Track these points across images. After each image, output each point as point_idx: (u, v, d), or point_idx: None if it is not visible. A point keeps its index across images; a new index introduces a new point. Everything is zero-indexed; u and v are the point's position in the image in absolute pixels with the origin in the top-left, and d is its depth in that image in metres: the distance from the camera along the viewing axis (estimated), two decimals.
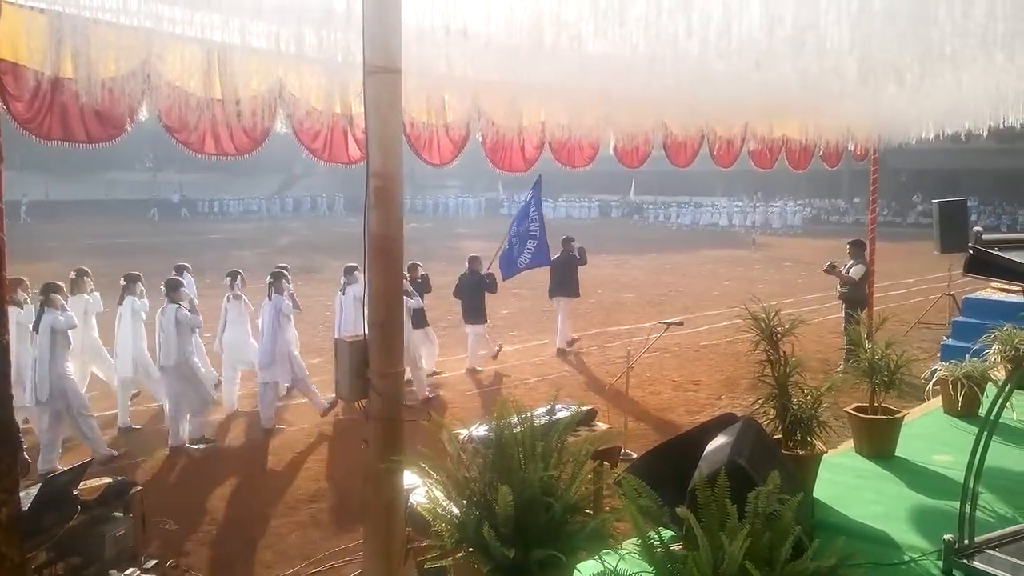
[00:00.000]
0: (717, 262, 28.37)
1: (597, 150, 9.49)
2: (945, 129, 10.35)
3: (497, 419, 4.03)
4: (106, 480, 5.99)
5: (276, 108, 6.24)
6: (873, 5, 4.78)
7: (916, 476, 6.63)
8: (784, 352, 6.32)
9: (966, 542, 4.67)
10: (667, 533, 3.63)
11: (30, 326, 8.61)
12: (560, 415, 4.94)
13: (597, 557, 3.88)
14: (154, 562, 6.04)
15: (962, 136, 10.78)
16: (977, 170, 44.79)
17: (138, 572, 5.82)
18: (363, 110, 4.13)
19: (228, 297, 10.59)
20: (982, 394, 7.99)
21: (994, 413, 4.55)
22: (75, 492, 5.55)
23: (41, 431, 8.52)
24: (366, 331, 4.19)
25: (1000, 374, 8.22)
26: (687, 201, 53.71)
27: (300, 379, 10.20)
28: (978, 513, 4.74)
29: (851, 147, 12.44)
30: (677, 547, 3.50)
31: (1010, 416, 7.30)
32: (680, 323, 10.09)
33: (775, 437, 6.09)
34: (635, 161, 9.91)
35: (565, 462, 3.98)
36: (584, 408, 6.23)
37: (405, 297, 10.26)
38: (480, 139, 8.11)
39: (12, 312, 8.16)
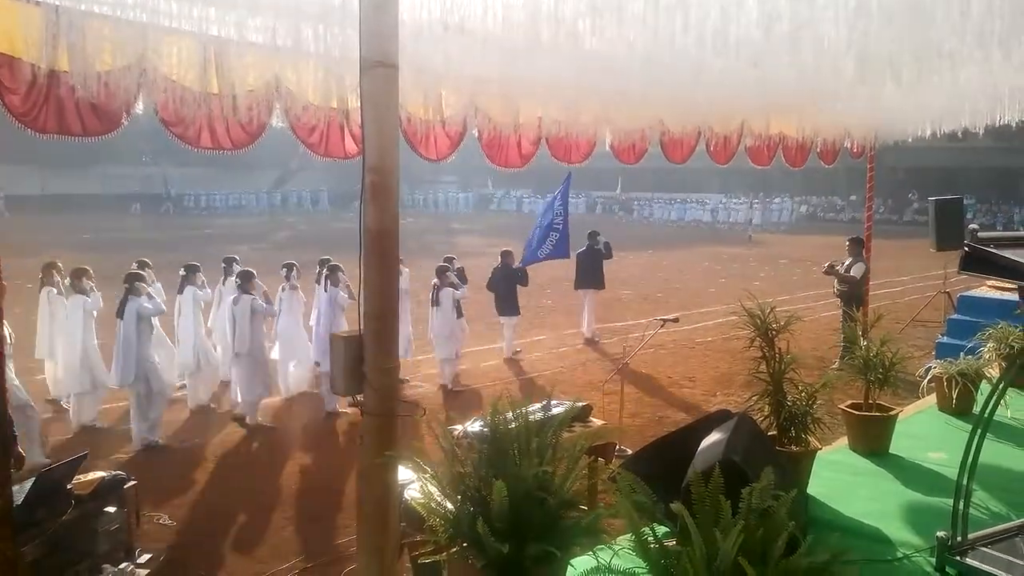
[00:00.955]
0: (713, 259, 28.39)
1: (594, 147, 9.48)
2: (942, 127, 10.36)
3: (492, 415, 4.03)
4: (100, 474, 5.98)
5: (273, 103, 6.23)
6: (871, 3, 4.78)
7: (910, 473, 6.65)
8: (779, 349, 6.34)
9: (959, 539, 4.68)
10: (661, 529, 3.63)
11: (95, 312, 9.46)
12: (555, 411, 4.94)
13: (591, 552, 3.89)
14: (148, 556, 6.04)
15: (959, 134, 10.80)
16: (974, 168, 44.83)
17: (132, 566, 5.82)
18: (359, 105, 4.12)
19: (283, 288, 10.82)
20: (976, 392, 8.02)
21: (988, 411, 4.57)
22: (69, 486, 5.55)
23: (131, 411, 9.08)
24: (361, 326, 4.18)
25: (994, 372, 8.25)
26: (672, 198, 53.91)
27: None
28: (971, 510, 4.76)
29: (848, 144, 12.46)
30: (671, 543, 3.51)
31: (1004, 414, 7.33)
32: (676, 320, 10.11)
33: (770, 434, 6.10)
34: (631, 158, 9.90)
35: (560, 458, 3.99)
36: (579, 404, 6.24)
37: (451, 288, 11.55)
38: (476, 135, 8.10)
39: (78, 300, 9.38)
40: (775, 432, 6.17)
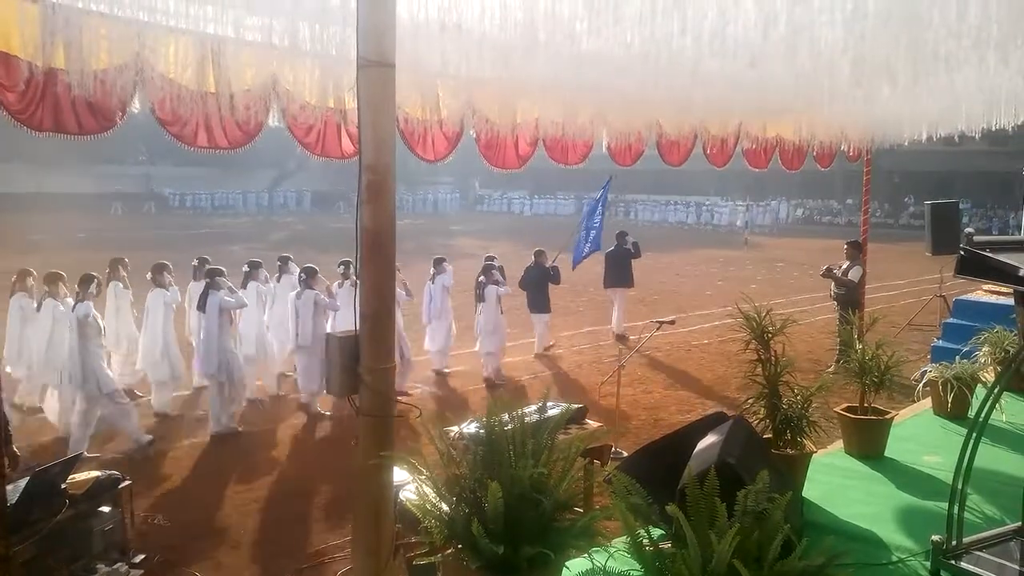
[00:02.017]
0: (709, 262, 28.41)
1: (591, 148, 9.48)
2: (938, 131, 10.38)
3: (488, 416, 4.03)
4: (95, 474, 5.96)
5: (270, 102, 6.22)
6: (867, 7, 4.79)
7: (905, 477, 6.65)
8: (775, 352, 6.34)
9: (954, 543, 4.68)
10: (656, 531, 3.63)
11: (174, 305, 10.04)
12: (551, 413, 4.93)
13: (586, 555, 3.89)
14: (142, 556, 6.02)
15: (955, 138, 10.82)
16: (969, 172, 44.92)
17: (126, 567, 5.79)
18: (356, 105, 4.12)
19: (340, 283, 11.04)
20: (972, 396, 8.02)
21: (983, 415, 4.56)
22: (63, 486, 5.53)
23: (211, 399, 9.57)
24: (357, 325, 4.17)
25: (990, 376, 8.25)
26: (656, 200, 54.48)
27: (407, 358, 10.99)
28: (966, 514, 4.75)
29: (844, 148, 12.47)
30: (666, 545, 3.51)
31: (999, 418, 7.32)
32: (672, 322, 10.14)
33: (765, 436, 6.10)
34: (628, 159, 9.90)
35: (555, 460, 3.99)
36: (575, 406, 6.23)
37: (495, 286, 12.05)
38: (474, 135, 8.10)
39: (158, 294, 9.90)
40: (771, 435, 6.17)
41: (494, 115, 7.71)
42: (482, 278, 12.26)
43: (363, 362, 4.15)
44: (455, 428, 5.02)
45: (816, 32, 5.10)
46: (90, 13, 4.97)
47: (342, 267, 11.25)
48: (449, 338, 12.12)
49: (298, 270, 10.94)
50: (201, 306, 9.53)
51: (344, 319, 10.81)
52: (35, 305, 9.78)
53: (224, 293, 9.52)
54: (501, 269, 12.63)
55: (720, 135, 10.30)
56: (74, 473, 5.74)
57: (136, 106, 5.70)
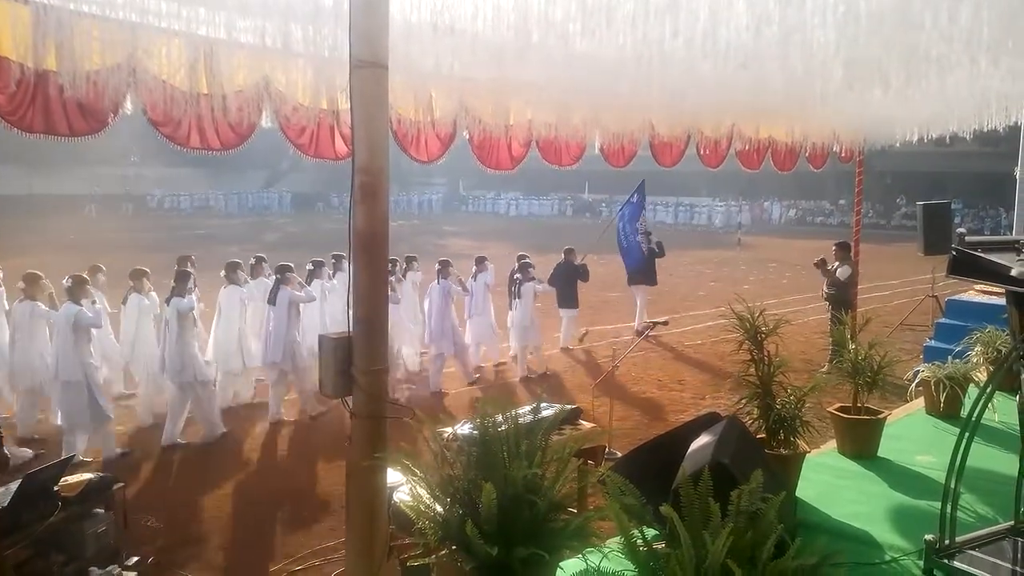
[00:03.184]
0: (703, 262, 28.44)
1: (584, 149, 9.50)
2: (930, 132, 10.41)
3: (481, 417, 4.03)
4: (88, 476, 5.94)
5: (262, 103, 6.21)
6: (859, 9, 4.80)
7: (898, 476, 6.68)
8: (768, 352, 6.35)
9: (947, 542, 4.70)
10: (650, 532, 3.63)
11: (245, 300, 10.47)
12: (545, 414, 4.93)
13: (580, 555, 3.89)
14: (135, 559, 6.00)
15: (946, 139, 10.86)
16: (961, 173, 45.07)
17: (119, 569, 5.78)
18: (349, 106, 4.12)
19: (397, 278, 11.47)
20: (964, 395, 8.06)
21: (976, 414, 4.58)
22: (56, 488, 5.51)
23: (271, 386, 10.22)
24: (350, 327, 4.17)
25: (982, 375, 8.29)
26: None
27: (461, 349, 11.83)
28: (959, 513, 4.78)
29: (836, 149, 12.51)
30: (660, 546, 3.51)
31: (991, 417, 7.34)
32: (666, 323, 10.19)
33: (759, 436, 6.12)
34: (621, 160, 9.91)
35: (549, 460, 3.99)
36: (568, 407, 6.24)
37: (533, 283, 12.56)
38: (467, 137, 8.10)
39: (232, 290, 10.31)
40: (764, 435, 6.18)
41: (487, 116, 7.72)
42: (518, 275, 12.70)
43: (356, 364, 4.15)
44: (449, 429, 5.02)
45: (808, 34, 5.11)
46: (82, 15, 4.96)
47: (404, 263, 12.15)
48: (490, 333, 12.62)
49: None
50: (271, 300, 10.09)
51: (403, 313, 11.66)
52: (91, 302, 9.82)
53: (294, 288, 10.15)
54: (532, 266, 13.11)
55: (713, 136, 10.33)
56: (67, 475, 5.72)
57: (128, 108, 5.68)
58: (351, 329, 4.17)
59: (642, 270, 15.32)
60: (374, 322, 4.19)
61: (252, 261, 11.41)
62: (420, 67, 5.88)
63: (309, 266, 11.33)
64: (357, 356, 4.14)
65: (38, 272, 9.33)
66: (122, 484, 6.11)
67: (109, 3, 4.97)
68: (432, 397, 11.10)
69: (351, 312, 4.18)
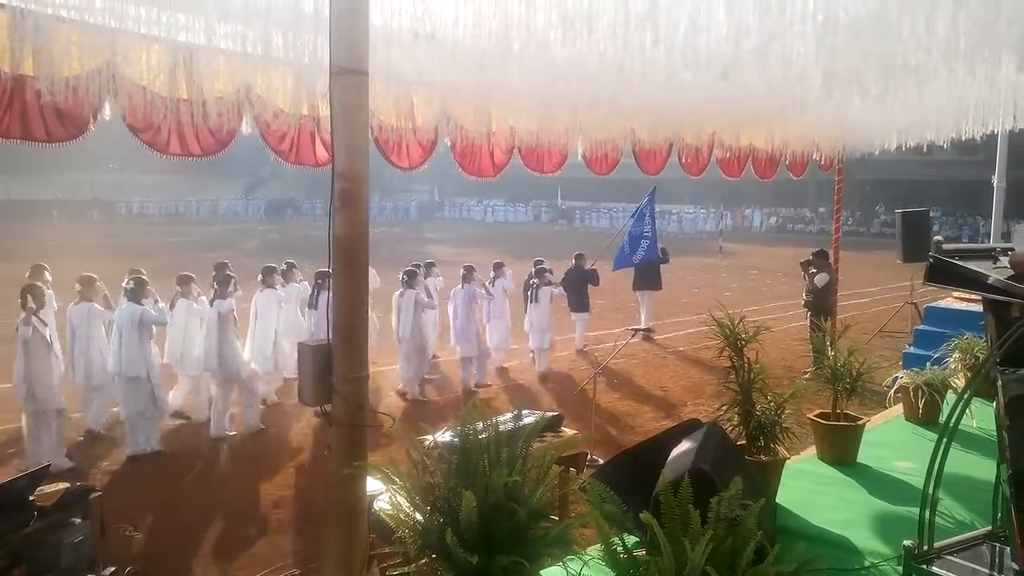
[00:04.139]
0: (685, 269, 28.51)
1: (566, 156, 9.52)
2: (908, 140, 10.52)
3: (462, 425, 4.02)
4: (64, 485, 5.87)
5: (242, 109, 6.18)
6: (838, 18, 4.85)
7: (877, 482, 6.71)
8: (748, 359, 6.38)
9: (925, 548, 4.72)
10: (631, 539, 3.64)
11: (283, 304, 10.91)
12: (526, 421, 4.93)
13: (561, 563, 3.88)
14: (112, 569, 5.93)
15: (924, 147, 10.97)
16: (940, 181, 45.45)
17: None
18: (330, 113, 4.10)
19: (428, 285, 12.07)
20: (942, 401, 8.11)
21: (954, 420, 4.61)
22: (31, 498, 5.44)
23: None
24: (330, 335, 4.15)
25: (960, 382, 8.35)
26: (611, 207, 55.13)
27: (485, 352, 12.25)
28: (938, 519, 4.80)
29: (816, 157, 12.60)
30: (641, 553, 3.51)
31: (970, 423, 7.42)
32: (648, 330, 10.21)
33: (739, 443, 6.14)
34: (604, 168, 9.94)
35: (530, 468, 3.98)
36: (550, 414, 6.24)
37: (550, 287, 13.16)
38: (449, 144, 8.09)
39: (269, 294, 10.71)
40: (744, 441, 6.20)
41: (469, 123, 7.71)
42: (535, 280, 13.25)
43: (336, 372, 4.13)
44: (429, 437, 5.00)
45: (787, 43, 5.15)
46: (61, 19, 4.92)
47: (424, 269, 12.30)
48: (507, 336, 13.04)
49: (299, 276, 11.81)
50: (313, 304, 10.68)
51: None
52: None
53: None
54: (549, 271, 13.65)
55: (695, 144, 10.38)
56: (43, 485, 5.65)
57: (107, 113, 5.64)
58: (331, 336, 4.15)
59: (642, 275, 15.84)
60: (354, 329, 4.17)
61: (283, 267, 11.77)
62: (401, 74, 5.88)
63: (317, 280, 11.35)
64: (337, 364, 4.12)
65: (93, 275, 9.63)
66: (100, 493, 6.03)
67: (88, 8, 4.93)
68: (464, 396, 11.47)
69: (331, 319, 4.16)
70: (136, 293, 9.05)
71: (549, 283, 13.25)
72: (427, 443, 4.78)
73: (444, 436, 4.83)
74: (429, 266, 12.93)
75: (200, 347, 9.94)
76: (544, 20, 4.84)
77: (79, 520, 5.73)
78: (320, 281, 10.47)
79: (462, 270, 12.38)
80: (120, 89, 5.43)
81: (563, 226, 53.98)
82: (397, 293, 11.46)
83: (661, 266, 16.06)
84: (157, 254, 26.24)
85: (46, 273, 9.99)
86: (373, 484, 4.39)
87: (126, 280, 9.39)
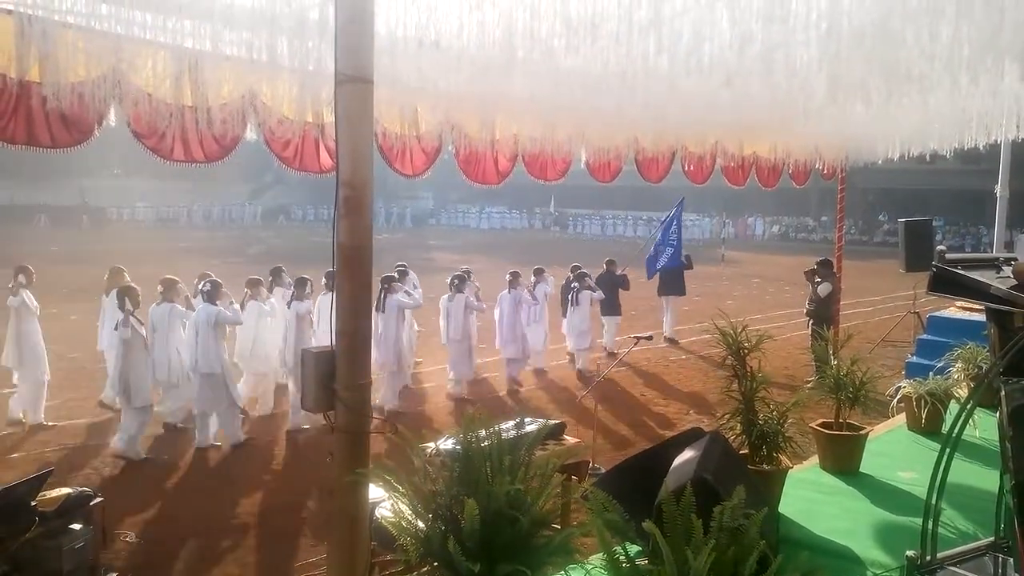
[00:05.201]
0: (688, 277, 28.45)
1: (569, 164, 9.53)
2: (911, 149, 10.52)
3: (464, 432, 4.01)
4: (66, 491, 5.87)
5: (247, 116, 6.19)
6: (842, 27, 4.85)
7: (880, 492, 6.69)
8: (751, 368, 6.37)
9: (928, 558, 4.70)
10: (633, 548, 3.63)
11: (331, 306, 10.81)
12: (528, 429, 4.92)
13: (563, 572, 3.87)
14: (114, 574, 5.93)
15: (927, 156, 10.96)
16: (943, 190, 45.49)
17: None
18: (334, 120, 4.11)
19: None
20: (945, 411, 8.10)
21: (957, 430, 4.60)
22: (33, 503, 5.44)
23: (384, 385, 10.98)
24: (333, 341, 4.15)
25: (963, 392, 8.33)
26: (603, 214, 56.59)
27: (528, 354, 12.96)
28: (940, 529, 4.78)
29: (819, 166, 12.60)
30: (643, 562, 3.50)
31: (972, 433, 7.38)
32: (650, 338, 10.24)
33: (741, 452, 6.13)
34: (607, 176, 9.97)
35: (532, 476, 3.97)
36: (552, 422, 6.23)
37: (589, 291, 13.90)
38: (453, 151, 8.11)
39: (393, 299, 11.10)
40: (747, 451, 6.19)
41: (473, 131, 7.73)
42: (575, 284, 14.04)
43: (339, 378, 4.13)
44: (431, 444, 5.00)
45: (791, 51, 5.16)
46: (67, 26, 4.93)
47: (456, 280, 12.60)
48: (545, 340, 13.65)
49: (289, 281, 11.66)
50: (380, 307, 10.85)
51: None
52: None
53: (401, 296, 11.23)
54: (588, 276, 14.43)
55: (698, 152, 10.39)
56: (45, 490, 5.65)
57: (112, 120, 5.66)
58: (334, 343, 4.15)
59: (667, 281, 16.62)
60: (357, 336, 4.17)
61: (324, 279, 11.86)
62: (405, 82, 5.88)
63: (382, 284, 11.52)
64: (340, 370, 4.12)
65: (175, 277, 10.05)
66: (101, 499, 6.04)
67: (94, 14, 4.95)
68: (508, 396, 12.04)
69: (334, 326, 4.16)
70: (212, 295, 9.57)
71: (589, 287, 13.99)
72: (429, 451, 4.77)
73: (446, 444, 4.82)
74: (466, 276, 13.04)
75: (268, 345, 10.59)
76: (548, 28, 4.85)
77: (80, 526, 5.73)
78: (386, 285, 11.08)
79: (508, 276, 13.17)
80: (125, 95, 5.45)
81: (556, 233, 54.78)
82: (446, 297, 12.05)
83: (685, 272, 16.90)
84: (153, 259, 26.22)
85: (125, 274, 10.69)
86: (375, 491, 4.39)
87: (201, 282, 10.00)
